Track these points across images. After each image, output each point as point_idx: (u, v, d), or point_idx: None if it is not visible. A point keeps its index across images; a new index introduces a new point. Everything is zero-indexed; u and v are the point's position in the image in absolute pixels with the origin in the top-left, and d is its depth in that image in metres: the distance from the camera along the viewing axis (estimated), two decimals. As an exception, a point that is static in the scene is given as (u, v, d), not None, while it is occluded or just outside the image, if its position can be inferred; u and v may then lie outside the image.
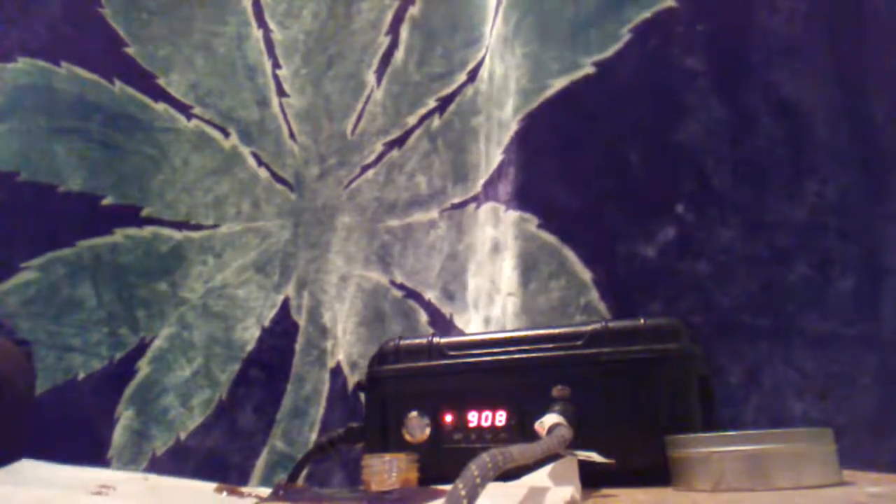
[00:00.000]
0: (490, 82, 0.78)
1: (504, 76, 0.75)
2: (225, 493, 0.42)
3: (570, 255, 0.68)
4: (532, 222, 0.70)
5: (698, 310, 0.63)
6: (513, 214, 0.71)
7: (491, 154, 0.77)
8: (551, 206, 0.69)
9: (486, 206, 0.77)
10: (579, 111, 0.70)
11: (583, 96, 0.69)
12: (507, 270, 0.70)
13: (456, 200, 0.80)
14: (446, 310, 0.79)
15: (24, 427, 0.68)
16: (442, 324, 0.78)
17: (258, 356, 0.84)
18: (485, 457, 0.32)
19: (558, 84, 0.70)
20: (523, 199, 0.71)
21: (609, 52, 0.69)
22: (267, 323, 0.84)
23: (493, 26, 0.78)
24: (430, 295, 0.80)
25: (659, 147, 0.67)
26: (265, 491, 0.42)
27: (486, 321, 0.73)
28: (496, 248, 0.73)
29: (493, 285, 0.73)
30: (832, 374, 0.59)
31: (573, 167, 0.69)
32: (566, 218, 0.69)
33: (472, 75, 0.82)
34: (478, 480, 0.30)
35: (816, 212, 0.61)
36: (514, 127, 0.72)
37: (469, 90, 0.82)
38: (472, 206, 0.79)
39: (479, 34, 0.82)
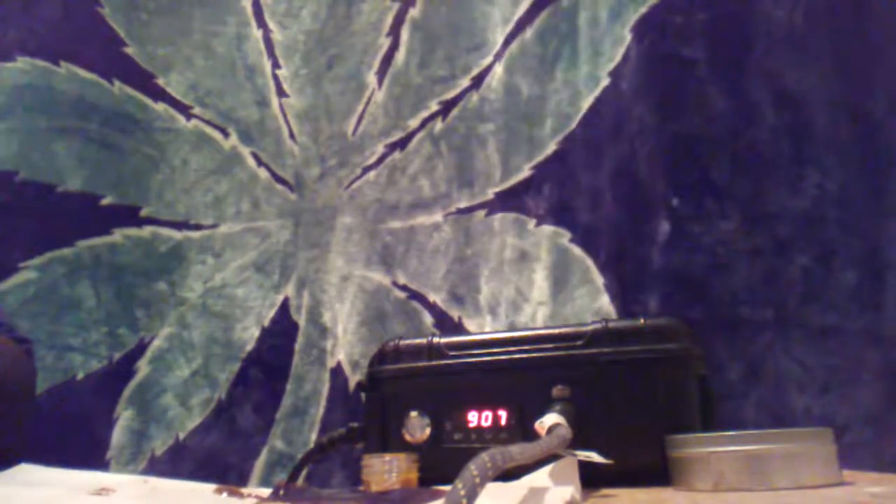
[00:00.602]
0: (510, 96, 0.79)
1: (540, 97, 0.77)
2: (225, 494, 0.41)
3: (591, 265, 0.69)
4: (565, 237, 0.72)
5: (698, 303, 0.63)
6: (547, 229, 0.74)
7: (511, 165, 0.78)
8: (582, 221, 0.71)
9: (506, 216, 0.78)
10: (601, 125, 0.71)
11: (603, 108, 0.70)
12: (539, 281, 0.71)
13: (462, 205, 0.81)
14: (454, 312, 0.79)
15: (24, 426, 0.68)
16: (449, 326, 0.78)
17: (258, 356, 0.83)
18: (484, 456, 0.32)
19: (586, 104, 0.73)
20: (559, 215, 0.73)
21: (618, 58, 0.70)
22: (266, 323, 0.84)
23: (513, 39, 0.79)
24: (435, 297, 0.80)
25: (657, 138, 0.67)
26: (265, 491, 0.42)
27: (511, 328, 0.74)
28: (524, 259, 0.74)
29: (518, 294, 0.74)
30: (834, 368, 0.58)
31: (594, 177, 0.70)
32: (589, 228, 0.70)
33: (477, 82, 0.82)
34: (477, 480, 0.30)
35: (817, 203, 0.61)
36: (552, 147, 0.75)
37: (474, 96, 0.82)
38: (482, 212, 0.79)
39: (483, 40, 0.82)
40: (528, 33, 0.78)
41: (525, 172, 0.77)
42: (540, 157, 0.76)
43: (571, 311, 0.69)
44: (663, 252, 0.65)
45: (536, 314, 0.71)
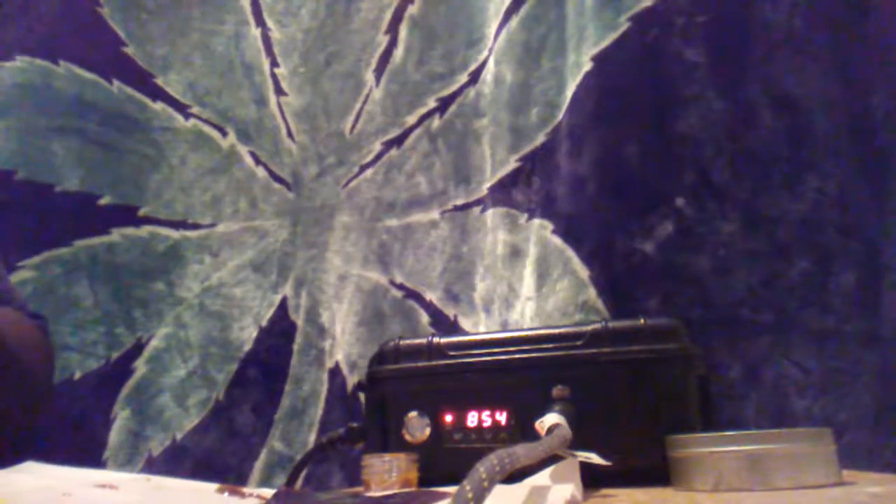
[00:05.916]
0: (497, 86, 0.78)
1: (523, 84, 0.75)
2: (227, 494, 0.41)
3: (573, 256, 0.68)
4: (548, 228, 0.71)
5: (697, 305, 0.63)
6: (536, 222, 0.72)
7: (499, 159, 0.77)
8: (565, 211, 0.70)
9: (497, 211, 0.77)
10: (583, 111, 0.70)
11: (585, 95, 0.69)
12: (527, 276, 0.71)
13: (458, 202, 0.81)
14: (450, 311, 0.79)
15: (39, 411, 0.67)
16: (445, 325, 0.78)
17: (255, 356, 0.83)
18: (492, 458, 0.32)
19: (569, 91, 0.71)
20: (548, 208, 0.72)
21: (606, 43, 0.69)
22: (265, 322, 0.84)
23: (501, 30, 0.78)
24: (432, 296, 0.80)
25: (657, 140, 0.67)
26: (267, 491, 0.42)
27: (504, 325, 0.73)
28: (515, 254, 0.73)
29: (510, 290, 0.73)
30: (833, 370, 0.58)
31: (577, 166, 0.69)
32: (570, 218, 0.69)
33: (474, 77, 0.82)
34: (485, 484, 0.30)
35: (817, 207, 0.61)
36: (540, 138, 0.74)
37: (471, 92, 0.82)
38: (477, 209, 0.79)
39: (481, 35, 0.82)
40: (515, 21, 0.77)
41: (512, 164, 0.76)
42: (527, 149, 0.75)
43: (554, 304, 0.68)
44: (659, 250, 0.65)
45: (525, 310, 0.70)
